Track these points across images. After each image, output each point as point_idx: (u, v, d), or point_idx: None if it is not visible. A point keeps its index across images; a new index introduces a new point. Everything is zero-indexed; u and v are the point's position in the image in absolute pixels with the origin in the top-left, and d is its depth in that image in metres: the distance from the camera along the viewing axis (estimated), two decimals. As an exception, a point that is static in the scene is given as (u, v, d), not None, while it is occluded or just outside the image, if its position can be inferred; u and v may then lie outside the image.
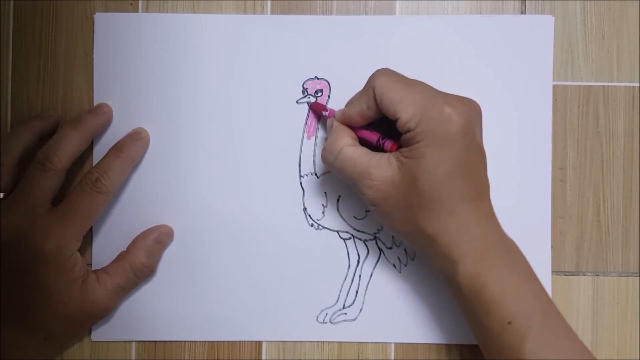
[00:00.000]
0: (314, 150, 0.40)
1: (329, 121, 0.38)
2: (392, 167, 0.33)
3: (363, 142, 0.36)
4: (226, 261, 0.40)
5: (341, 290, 0.40)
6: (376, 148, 0.35)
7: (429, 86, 0.34)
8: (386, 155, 0.34)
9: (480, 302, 0.32)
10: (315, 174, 0.40)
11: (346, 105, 0.36)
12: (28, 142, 0.38)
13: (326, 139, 0.38)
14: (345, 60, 0.40)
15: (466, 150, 0.33)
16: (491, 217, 0.34)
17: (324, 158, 0.36)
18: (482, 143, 0.35)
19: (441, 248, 0.33)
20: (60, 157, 0.36)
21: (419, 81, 0.35)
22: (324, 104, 0.40)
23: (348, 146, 0.35)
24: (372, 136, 0.36)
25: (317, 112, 0.39)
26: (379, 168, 0.33)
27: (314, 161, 0.40)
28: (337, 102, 0.39)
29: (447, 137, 0.32)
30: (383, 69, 0.35)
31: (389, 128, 0.35)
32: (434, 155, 0.32)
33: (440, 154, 0.32)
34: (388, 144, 0.35)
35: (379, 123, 0.36)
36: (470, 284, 0.32)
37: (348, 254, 0.40)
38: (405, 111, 0.33)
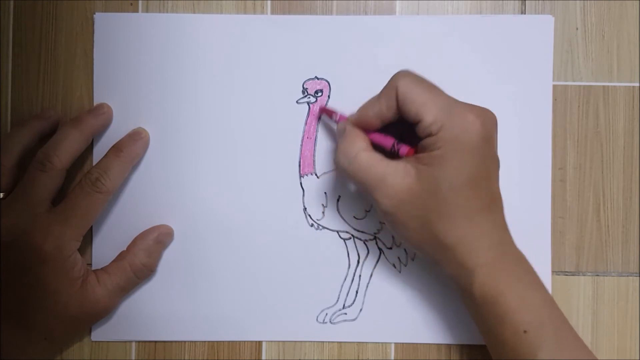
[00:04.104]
0: (314, 150, 0.40)
1: (339, 125, 0.36)
2: (410, 175, 0.32)
3: (375, 148, 0.35)
4: (226, 261, 0.40)
5: (341, 290, 0.40)
6: (389, 153, 0.34)
7: (449, 95, 0.34)
8: (402, 162, 0.33)
9: (496, 310, 0.32)
10: (315, 174, 0.40)
11: (361, 108, 0.35)
12: (28, 142, 0.38)
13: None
14: (345, 60, 0.40)
15: (485, 159, 0.32)
16: (505, 228, 0.34)
17: (338, 162, 0.35)
18: (497, 154, 0.34)
19: (458, 257, 0.33)
20: (60, 156, 0.36)
21: (439, 87, 0.34)
22: (324, 104, 0.40)
23: (364, 151, 0.34)
24: (387, 141, 0.35)
25: (328, 115, 0.38)
26: (396, 176, 0.32)
27: (314, 161, 0.40)
28: (336, 102, 0.39)
29: (468, 144, 0.32)
30: (405, 70, 0.34)
31: (400, 135, 0.34)
32: (455, 163, 0.32)
33: (461, 161, 0.32)
34: (404, 149, 0.34)
35: (390, 130, 0.35)
36: (486, 293, 0.32)
37: (348, 254, 0.40)
38: (429, 114, 0.32)
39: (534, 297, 0.33)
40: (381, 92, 0.34)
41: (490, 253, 0.33)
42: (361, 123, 0.35)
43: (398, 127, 0.35)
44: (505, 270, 0.33)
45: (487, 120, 0.33)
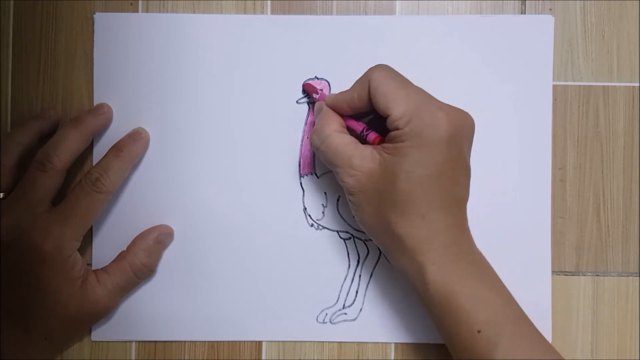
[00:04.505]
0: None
1: (317, 104, 0.37)
2: (374, 160, 0.33)
3: (351, 132, 0.36)
4: (226, 261, 0.40)
5: (341, 290, 0.40)
6: (359, 139, 0.35)
7: (426, 92, 0.34)
8: (370, 147, 0.34)
9: (449, 310, 0.32)
10: (315, 174, 0.40)
11: (338, 93, 0.36)
12: (28, 142, 0.38)
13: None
14: (345, 60, 0.40)
15: (449, 159, 0.33)
16: (463, 229, 0.34)
17: (312, 140, 0.36)
18: (468, 157, 0.34)
19: (408, 250, 0.33)
20: (59, 156, 0.36)
21: (415, 85, 0.35)
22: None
23: (336, 132, 0.35)
24: (357, 126, 0.36)
25: (309, 93, 0.39)
26: (362, 159, 0.33)
27: (314, 161, 0.40)
28: (337, 102, 0.40)
29: (432, 141, 0.32)
30: (383, 64, 0.35)
31: (375, 125, 0.35)
32: (416, 157, 0.32)
33: (422, 157, 0.32)
34: (372, 135, 0.35)
35: (366, 118, 0.36)
36: (438, 292, 0.32)
37: (348, 254, 0.40)
38: (397, 109, 0.33)
39: (488, 296, 0.32)
40: (357, 81, 0.35)
41: (440, 252, 0.33)
42: (335, 107, 0.36)
43: (374, 118, 0.35)
44: (458, 270, 0.33)
45: (459, 122, 0.33)
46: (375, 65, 0.35)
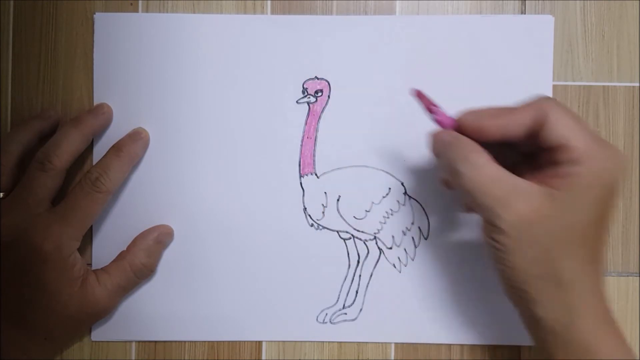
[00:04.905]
0: (314, 150, 0.40)
1: (447, 135, 0.32)
2: (541, 196, 0.30)
3: None
4: (226, 261, 0.40)
5: (341, 290, 0.40)
6: None
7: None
8: (527, 181, 0.30)
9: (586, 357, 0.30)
10: (315, 174, 0.40)
11: (480, 117, 0.32)
12: (28, 142, 0.38)
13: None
14: (345, 60, 0.40)
15: (613, 201, 0.31)
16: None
17: (457, 174, 0.31)
18: None
19: (569, 296, 0.30)
20: (59, 156, 0.36)
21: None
22: (324, 104, 0.40)
23: (491, 162, 0.30)
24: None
25: (425, 105, 0.33)
26: (527, 194, 0.30)
27: (314, 161, 0.40)
28: (336, 102, 0.39)
29: (611, 183, 0.30)
30: (547, 96, 0.32)
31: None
32: (593, 197, 0.30)
33: (598, 197, 0.30)
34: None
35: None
36: (584, 340, 0.30)
37: (348, 254, 0.40)
38: (580, 142, 0.30)
39: (624, 350, 0.31)
40: (519, 108, 0.31)
41: (597, 299, 0.31)
42: (478, 130, 0.32)
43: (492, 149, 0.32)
44: (605, 318, 0.31)
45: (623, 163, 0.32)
46: (546, 96, 0.32)
